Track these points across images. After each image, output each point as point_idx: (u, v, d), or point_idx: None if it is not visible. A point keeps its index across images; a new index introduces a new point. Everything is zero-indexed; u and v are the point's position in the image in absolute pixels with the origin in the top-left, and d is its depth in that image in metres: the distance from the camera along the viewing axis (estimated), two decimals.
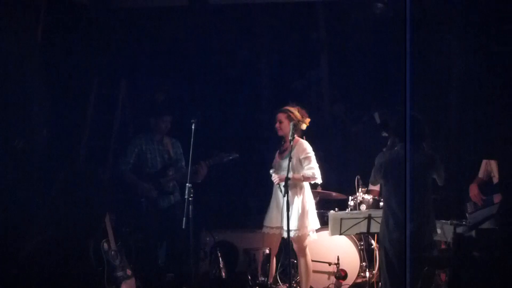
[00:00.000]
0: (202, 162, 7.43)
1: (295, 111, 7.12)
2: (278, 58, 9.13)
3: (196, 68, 8.86)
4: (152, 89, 8.72)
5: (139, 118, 8.33)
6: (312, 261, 7.35)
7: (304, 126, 7.14)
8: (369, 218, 7.10)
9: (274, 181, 7.10)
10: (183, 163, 7.68)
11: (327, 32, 8.86)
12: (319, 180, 7.18)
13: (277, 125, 7.19)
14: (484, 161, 7.13)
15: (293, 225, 7.03)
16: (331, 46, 8.88)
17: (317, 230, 7.32)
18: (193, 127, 7.10)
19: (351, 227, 7.18)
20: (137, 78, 8.78)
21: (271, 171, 7.18)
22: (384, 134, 7.06)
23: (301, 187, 7.17)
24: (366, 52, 8.58)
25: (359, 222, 7.16)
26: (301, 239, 7.13)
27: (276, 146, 7.38)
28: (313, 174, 7.09)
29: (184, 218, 6.95)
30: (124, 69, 8.59)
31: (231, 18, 8.77)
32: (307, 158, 7.11)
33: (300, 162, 7.11)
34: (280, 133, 7.21)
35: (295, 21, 8.91)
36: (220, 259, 7.41)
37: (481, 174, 7.18)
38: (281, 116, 7.14)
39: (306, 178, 7.12)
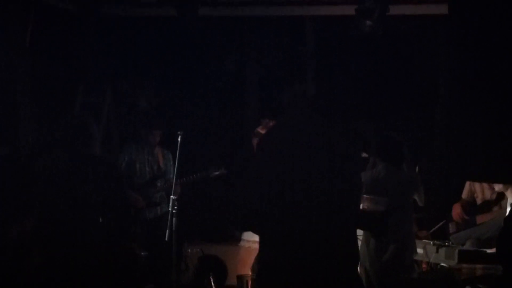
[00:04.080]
0: (180, 180, 7.38)
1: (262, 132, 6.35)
2: (266, 71, 9.13)
3: (183, 79, 8.85)
4: (137, 97, 8.71)
5: (127, 128, 8.30)
6: None
7: None
8: None
9: None
10: (172, 175, 7.39)
11: (315, 46, 8.86)
12: None
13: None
14: (467, 182, 7.16)
15: None
16: (318, 61, 8.87)
17: None
18: (179, 139, 7.11)
19: None
20: (123, 86, 8.77)
21: None
22: (364, 154, 7.01)
23: None
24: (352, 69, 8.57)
25: None
26: None
27: None
28: None
29: (167, 230, 6.97)
30: (110, 77, 8.57)
31: (220, 29, 8.78)
32: None
33: None
34: None
35: (284, 34, 8.93)
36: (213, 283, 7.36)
37: (464, 195, 7.21)
38: (254, 142, 6.33)
39: None
